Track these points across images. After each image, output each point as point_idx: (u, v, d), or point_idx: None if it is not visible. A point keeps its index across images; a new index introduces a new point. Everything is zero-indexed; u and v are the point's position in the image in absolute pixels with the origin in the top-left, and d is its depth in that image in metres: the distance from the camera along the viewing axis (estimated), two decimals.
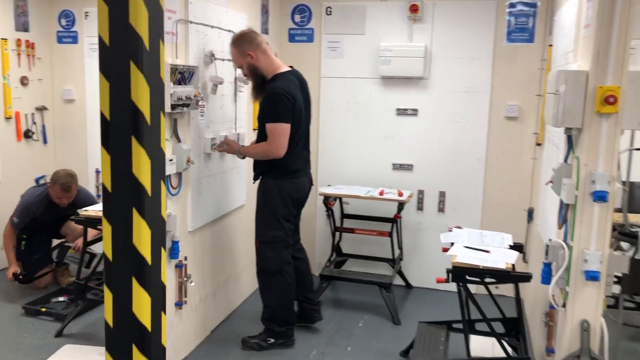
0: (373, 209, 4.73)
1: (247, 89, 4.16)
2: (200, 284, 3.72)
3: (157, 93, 2.34)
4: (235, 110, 4.03)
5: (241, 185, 4.25)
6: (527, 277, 2.87)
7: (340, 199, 4.67)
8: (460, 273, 2.90)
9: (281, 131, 3.44)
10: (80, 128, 5.31)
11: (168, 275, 3.29)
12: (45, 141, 5.41)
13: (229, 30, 3.80)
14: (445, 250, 3.28)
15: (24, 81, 5.13)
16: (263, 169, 3.63)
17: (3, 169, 4.94)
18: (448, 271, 2.92)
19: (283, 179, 3.59)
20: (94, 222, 3.73)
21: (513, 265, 2.92)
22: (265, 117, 3.49)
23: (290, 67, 3.67)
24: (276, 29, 4.84)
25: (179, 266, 3.37)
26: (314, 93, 4.63)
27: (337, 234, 4.69)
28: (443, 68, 4.62)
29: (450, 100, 4.64)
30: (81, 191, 4.40)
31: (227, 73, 3.87)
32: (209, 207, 3.74)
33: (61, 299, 4.31)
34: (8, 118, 4.99)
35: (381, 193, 4.48)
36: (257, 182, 3.70)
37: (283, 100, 3.40)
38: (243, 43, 3.49)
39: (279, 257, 3.63)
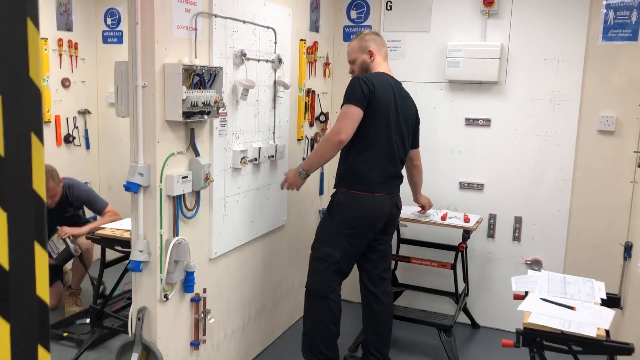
0: (434, 233, 4.08)
1: (288, 93, 3.63)
2: (226, 318, 3.23)
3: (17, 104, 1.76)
4: (273, 118, 3.51)
5: (281, 203, 3.73)
6: (626, 349, 2.16)
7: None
8: (534, 337, 2.22)
9: (348, 113, 2.98)
10: (126, 132, 4.98)
11: (182, 310, 2.81)
12: (87, 146, 5.15)
13: (268, 27, 3.29)
14: (518, 297, 2.62)
15: (65, 83, 4.87)
16: (339, 174, 3.20)
17: None
18: (518, 333, 2.26)
19: (355, 191, 3.09)
20: (110, 242, 3.33)
21: (607, 331, 2.22)
22: (344, 100, 3.05)
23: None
24: (329, 27, 4.29)
25: (195, 300, 2.88)
26: None
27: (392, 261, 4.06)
28: (522, 71, 3.90)
29: (530, 110, 3.91)
30: (74, 186, 4.00)
31: (265, 75, 3.36)
32: (238, 230, 3.24)
33: (87, 320, 3.95)
34: (47, 122, 4.74)
35: (444, 217, 3.82)
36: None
37: (359, 83, 2.99)
38: (369, 40, 3.20)
39: (328, 281, 3.11)
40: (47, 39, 4.65)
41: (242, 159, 3.14)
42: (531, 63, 3.87)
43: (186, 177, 2.69)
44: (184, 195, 2.73)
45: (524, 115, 3.93)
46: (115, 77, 2.64)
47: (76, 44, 4.91)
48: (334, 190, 3.23)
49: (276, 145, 3.50)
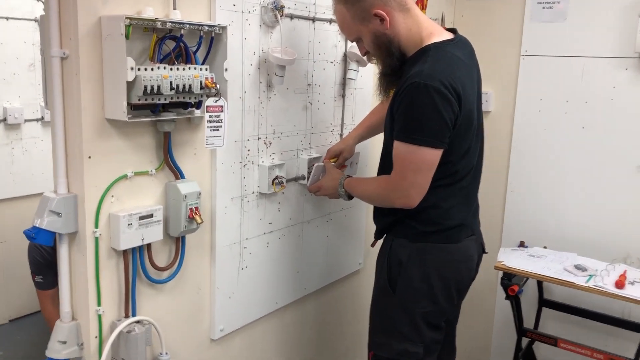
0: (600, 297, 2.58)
1: (367, 72, 2.36)
2: None
3: None
4: (342, 113, 2.27)
5: (354, 236, 2.48)
6: None
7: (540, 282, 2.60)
8: None
9: (419, 160, 1.65)
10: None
11: None
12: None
13: None
14: None
15: None
16: (389, 220, 1.85)
17: None
18: None
19: (429, 242, 1.78)
20: None
21: None
22: (395, 128, 1.69)
23: (452, 30, 1.80)
24: None
25: None
26: (508, 80, 2.68)
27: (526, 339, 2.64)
28: None
29: None
30: None
31: (325, 45, 2.12)
32: (269, 288, 2.06)
33: None
34: None
35: (621, 280, 2.30)
36: (380, 244, 1.93)
37: (434, 99, 1.58)
38: None
39: None
40: None
41: (275, 179, 1.94)
42: None
43: (150, 216, 1.55)
44: (147, 246, 1.60)
45: None
46: (41, 45, 1.57)
47: None
48: (377, 238, 1.96)
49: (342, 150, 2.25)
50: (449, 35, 1.75)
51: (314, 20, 2.04)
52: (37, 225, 1.43)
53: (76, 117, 1.43)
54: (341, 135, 2.28)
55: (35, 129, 3.53)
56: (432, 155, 1.64)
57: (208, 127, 1.55)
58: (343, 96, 2.26)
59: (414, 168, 1.66)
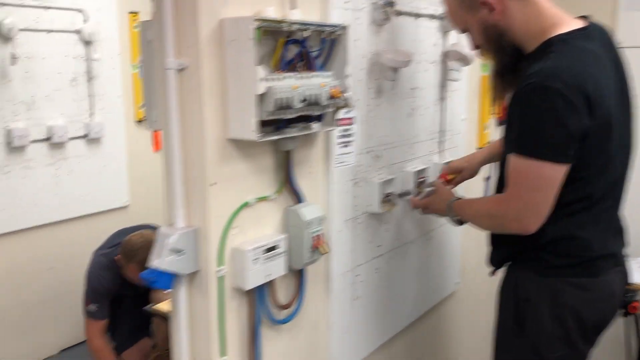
0: None
1: (469, 72, 2.15)
2: None
3: None
4: (441, 117, 2.05)
5: (451, 255, 2.26)
6: None
7: None
8: None
9: (536, 176, 1.39)
10: None
11: None
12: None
13: None
14: None
15: None
16: (511, 249, 1.60)
17: (132, 189, 3.67)
18: None
19: (561, 277, 1.52)
20: None
21: None
22: (510, 139, 1.47)
23: (584, 18, 1.54)
24: None
25: None
26: None
27: None
28: None
29: None
30: None
31: (426, 43, 1.91)
32: (378, 319, 1.85)
33: None
34: (140, 121, 3.70)
35: None
36: (500, 274, 1.69)
37: (555, 104, 1.33)
38: None
39: None
40: (137, 12, 3.60)
41: (386, 196, 1.73)
42: None
43: (274, 248, 1.34)
44: (271, 283, 1.39)
45: None
46: (142, 52, 1.37)
47: None
48: (497, 267, 1.69)
49: (445, 163, 2.03)
50: (579, 24, 1.52)
51: (417, 16, 1.83)
52: (157, 267, 1.21)
53: (197, 138, 1.22)
54: (440, 142, 2.06)
55: (80, 148, 3.33)
56: (553, 171, 1.38)
57: (339, 143, 1.35)
58: (443, 98, 2.04)
59: (530, 186, 1.40)
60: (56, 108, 3.19)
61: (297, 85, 1.25)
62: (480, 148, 2.41)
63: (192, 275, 1.28)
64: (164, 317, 2.45)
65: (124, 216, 3.54)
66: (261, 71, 1.18)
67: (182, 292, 1.28)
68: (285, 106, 1.23)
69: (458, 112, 2.15)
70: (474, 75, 2.28)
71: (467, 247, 2.34)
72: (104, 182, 3.47)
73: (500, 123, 2.57)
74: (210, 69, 1.20)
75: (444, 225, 2.15)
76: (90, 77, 3.33)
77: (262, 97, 1.20)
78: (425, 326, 2.16)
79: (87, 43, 3.29)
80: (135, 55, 3.60)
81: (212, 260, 1.26)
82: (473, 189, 2.17)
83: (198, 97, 1.20)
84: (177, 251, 1.23)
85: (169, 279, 1.23)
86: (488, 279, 2.45)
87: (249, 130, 1.20)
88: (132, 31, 3.57)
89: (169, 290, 1.28)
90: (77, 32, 3.24)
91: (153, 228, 2.95)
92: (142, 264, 2.66)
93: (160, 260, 1.21)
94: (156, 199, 3.78)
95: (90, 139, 3.35)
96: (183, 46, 1.20)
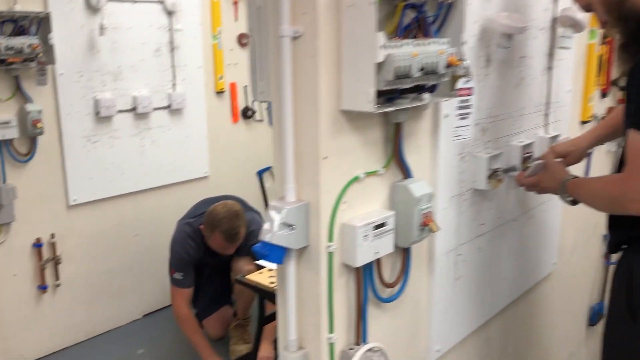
0: None
1: (578, 41, 2.00)
2: None
3: None
4: (547, 88, 1.92)
5: (549, 234, 2.14)
6: None
7: None
8: None
9: None
10: None
11: None
12: (272, 122, 4.04)
13: None
14: None
15: (242, 40, 3.78)
16: (630, 232, 1.50)
17: (212, 160, 3.70)
18: None
19: None
20: (269, 295, 2.13)
21: None
22: (629, 114, 1.34)
23: None
24: None
25: None
26: None
27: None
28: None
29: None
30: (253, 221, 2.83)
31: (536, 9, 1.78)
32: (478, 300, 1.77)
33: None
34: (220, 92, 3.71)
35: None
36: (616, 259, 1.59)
37: None
38: None
39: None
40: None
41: (493, 172, 1.64)
42: None
43: (382, 225, 1.29)
44: (378, 261, 1.34)
45: None
46: (249, 22, 1.33)
47: None
48: (612, 251, 1.59)
49: (551, 137, 1.91)
50: None
51: None
52: (267, 240, 1.18)
53: (311, 110, 1.17)
54: (546, 115, 1.94)
55: (163, 118, 3.38)
56: None
57: (458, 115, 1.26)
58: (549, 69, 1.91)
59: None
60: (141, 79, 3.23)
61: (416, 53, 1.17)
62: (584, 122, 2.26)
63: (301, 251, 1.25)
64: (255, 289, 2.46)
65: (204, 187, 3.59)
66: (381, 37, 1.11)
67: (292, 267, 1.25)
68: (403, 75, 1.16)
69: (564, 83, 2.01)
70: (580, 43, 2.13)
71: (565, 226, 2.22)
72: (185, 153, 3.52)
73: (603, 94, 2.41)
74: (326, 37, 1.14)
75: (545, 203, 2.03)
76: (172, 48, 3.35)
77: (379, 66, 1.13)
78: (521, 309, 2.07)
79: (170, 13, 3.31)
80: (215, 26, 3.60)
81: (323, 235, 1.22)
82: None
83: (314, 66, 1.14)
84: (289, 225, 1.19)
85: (281, 253, 1.20)
86: (584, 260, 2.32)
87: (365, 101, 1.14)
88: (212, 1, 3.56)
89: (279, 264, 1.25)
90: (160, 2, 3.25)
91: (235, 199, 2.98)
92: (226, 233, 2.69)
93: (272, 234, 1.18)
94: (235, 170, 3.84)
95: (173, 109, 3.39)
96: (298, 12, 1.14)
